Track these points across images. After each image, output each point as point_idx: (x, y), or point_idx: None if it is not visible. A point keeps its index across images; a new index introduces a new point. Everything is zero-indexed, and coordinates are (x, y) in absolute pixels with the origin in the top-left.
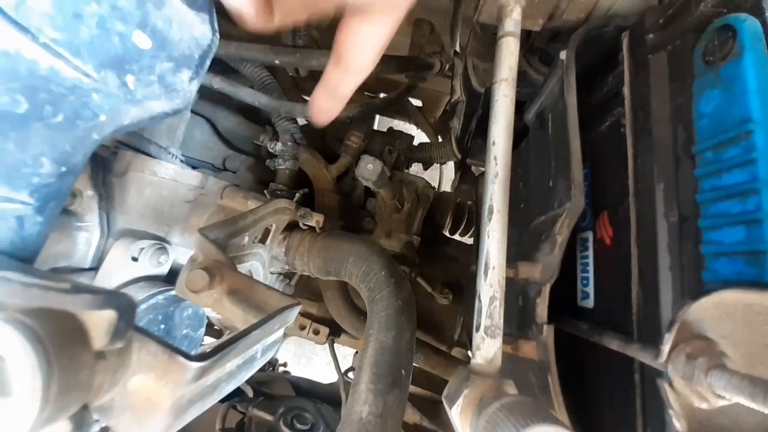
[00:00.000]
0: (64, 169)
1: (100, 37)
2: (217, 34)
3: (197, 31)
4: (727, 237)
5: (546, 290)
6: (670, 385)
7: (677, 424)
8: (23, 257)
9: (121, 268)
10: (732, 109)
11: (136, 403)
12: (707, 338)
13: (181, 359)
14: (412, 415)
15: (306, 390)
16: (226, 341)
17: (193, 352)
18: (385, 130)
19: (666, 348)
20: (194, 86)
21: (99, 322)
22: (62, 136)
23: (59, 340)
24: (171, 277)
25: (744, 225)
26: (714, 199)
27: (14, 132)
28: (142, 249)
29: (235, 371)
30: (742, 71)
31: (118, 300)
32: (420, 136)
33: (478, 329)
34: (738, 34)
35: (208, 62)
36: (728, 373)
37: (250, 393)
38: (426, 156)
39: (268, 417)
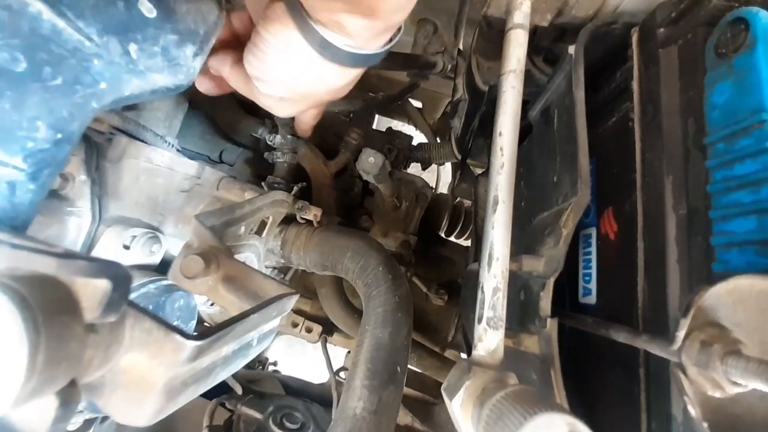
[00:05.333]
0: (60, 135)
1: (105, 0)
2: (224, 12)
3: (204, 6)
4: (739, 227)
5: (550, 283)
6: (684, 372)
7: (692, 411)
8: (14, 226)
9: (111, 255)
10: (745, 99)
11: (128, 381)
12: (720, 325)
13: (177, 337)
14: (404, 417)
15: (296, 389)
16: (224, 323)
17: None
18: (383, 130)
19: (681, 333)
20: (198, 63)
21: (92, 291)
22: (60, 100)
23: (49, 308)
24: (163, 268)
25: (756, 215)
26: (726, 189)
27: (11, 91)
28: (135, 237)
29: (231, 357)
30: (755, 62)
31: (112, 270)
32: (418, 138)
33: (480, 320)
34: (751, 26)
35: (213, 40)
36: (744, 359)
37: (239, 390)
38: (425, 156)
39: (257, 415)
